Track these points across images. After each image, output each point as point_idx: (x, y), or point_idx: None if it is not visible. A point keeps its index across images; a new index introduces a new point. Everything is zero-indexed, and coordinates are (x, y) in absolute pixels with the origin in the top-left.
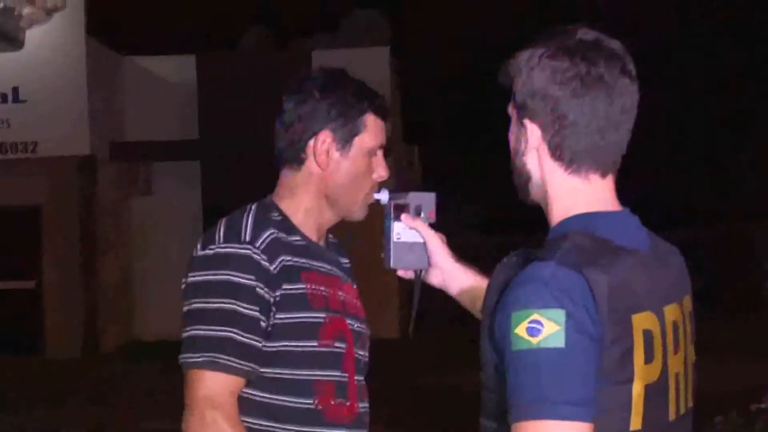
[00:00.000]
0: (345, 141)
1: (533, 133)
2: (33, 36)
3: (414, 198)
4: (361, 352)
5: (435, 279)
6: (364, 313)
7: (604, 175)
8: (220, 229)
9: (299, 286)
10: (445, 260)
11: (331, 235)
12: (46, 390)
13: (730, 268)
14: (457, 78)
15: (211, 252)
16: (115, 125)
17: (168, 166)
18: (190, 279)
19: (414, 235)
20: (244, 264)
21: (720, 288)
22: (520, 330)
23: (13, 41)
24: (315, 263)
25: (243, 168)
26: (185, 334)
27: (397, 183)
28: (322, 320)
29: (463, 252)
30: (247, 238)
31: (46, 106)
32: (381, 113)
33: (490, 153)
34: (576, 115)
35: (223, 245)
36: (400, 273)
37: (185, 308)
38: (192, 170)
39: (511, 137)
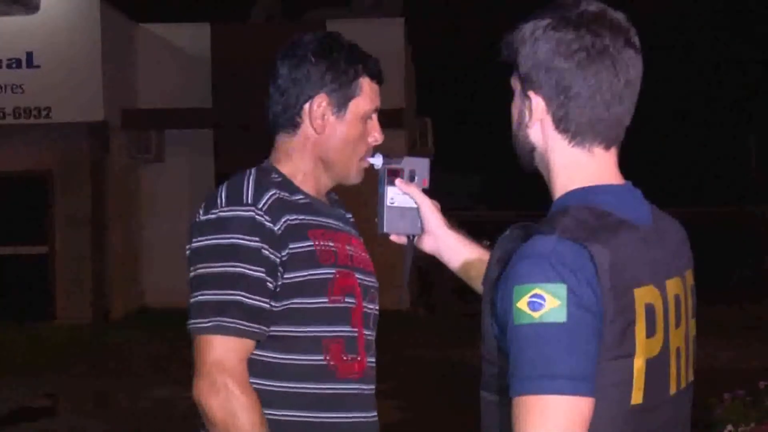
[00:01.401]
0: (340, 105)
1: (538, 104)
2: (48, 1)
3: (408, 163)
4: (371, 306)
5: (427, 245)
6: (372, 267)
7: (607, 148)
8: (221, 193)
9: (306, 244)
10: (437, 227)
11: (333, 193)
12: (55, 356)
13: (740, 249)
14: (470, 53)
15: (214, 216)
16: (127, 92)
17: (180, 134)
18: (194, 244)
19: (407, 201)
20: (248, 226)
21: (730, 269)
22: (522, 304)
23: (29, 4)
24: (321, 219)
25: (255, 137)
26: (192, 300)
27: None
28: (331, 276)
29: (470, 226)
30: (250, 200)
31: (59, 72)
32: (376, 76)
33: (505, 127)
34: (581, 87)
35: (226, 209)
36: (393, 238)
37: (191, 274)
38: (205, 139)
39: (514, 110)
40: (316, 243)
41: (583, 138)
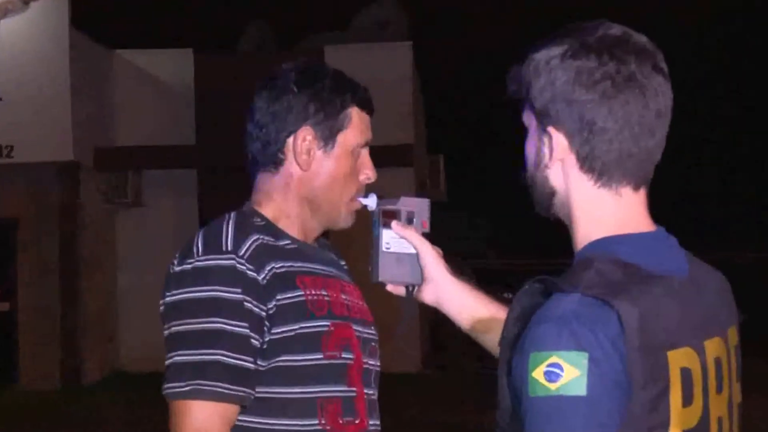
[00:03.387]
0: (327, 138)
1: (559, 142)
2: (10, 27)
3: (405, 203)
4: (371, 362)
5: (428, 296)
6: (371, 317)
7: (636, 188)
8: (197, 241)
9: (296, 293)
10: (440, 275)
11: (322, 238)
12: (21, 426)
13: None
14: (487, 81)
15: (190, 266)
16: (101, 128)
17: (161, 174)
18: (168, 299)
19: (405, 246)
20: (229, 276)
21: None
22: (538, 374)
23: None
24: (311, 265)
25: (244, 178)
26: (168, 361)
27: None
28: (326, 328)
29: (482, 275)
30: (229, 247)
31: (24, 106)
32: (366, 106)
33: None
34: (606, 120)
35: (203, 258)
36: (390, 288)
37: (165, 332)
38: (188, 180)
39: (530, 149)
40: (307, 292)
41: (609, 178)
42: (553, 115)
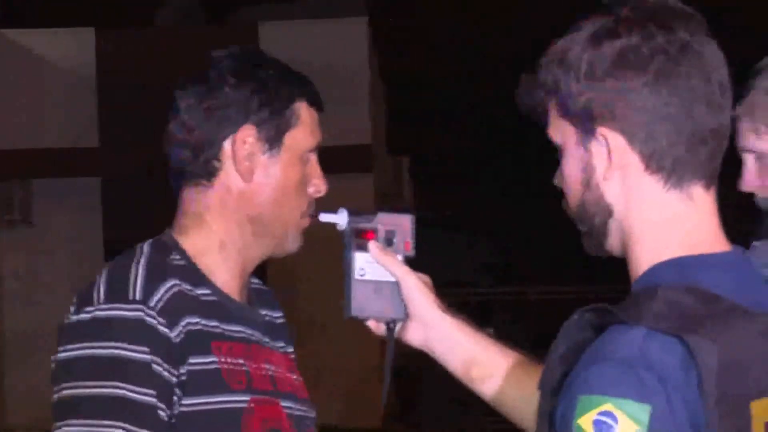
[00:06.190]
0: (273, 140)
1: (617, 143)
2: None
3: (384, 221)
4: None
5: (415, 335)
6: (305, 391)
7: (707, 187)
8: (99, 285)
9: (209, 360)
10: (427, 309)
11: (255, 279)
12: None
13: None
14: (459, 64)
15: (88, 316)
16: None
17: (55, 184)
18: (61, 355)
19: (384, 273)
20: (135, 331)
21: None
22: (585, 421)
23: None
24: (228, 327)
25: (159, 189)
26: None
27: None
28: (244, 405)
29: (472, 304)
30: (138, 296)
31: None
32: (315, 102)
33: (516, 172)
34: (669, 102)
35: (105, 306)
36: (371, 324)
37: (54, 395)
38: (89, 191)
39: (571, 169)
40: (221, 360)
41: (680, 176)
42: (601, 112)
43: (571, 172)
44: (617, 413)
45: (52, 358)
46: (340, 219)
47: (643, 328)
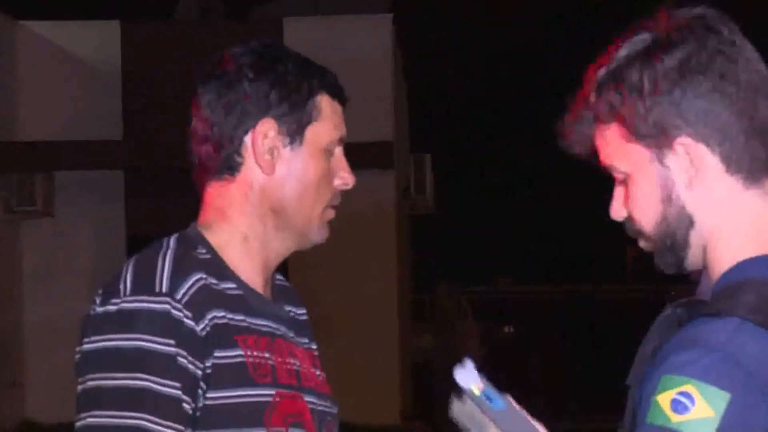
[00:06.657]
0: (294, 133)
1: (696, 151)
2: None
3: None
4: None
5: None
6: (326, 387)
7: None
8: (125, 276)
9: (236, 353)
10: None
11: (279, 276)
12: None
13: None
14: (483, 63)
15: (114, 308)
16: (1, 119)
17: (78, 177)
18: (86, 346)
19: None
20: (160, 324)
21: None
22: (663, 399)
23: None
24: (254, 321)
25: (183, 182)
26: (79, 423)
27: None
28: (269, 399)
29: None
30: (164, 288)
31: None
32: (338, 94)
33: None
34: (737, 99)
35: (131, 298)
36: None
37: (79, 387)
38: (112, 184)
39: (646, 190)
40: (248, 353)
41: (759, 173)
42: (674, 124)
43: (649, 193)
44: (696, 396)
45: (77, 349)
46: (468, 379)
47: (737, 319)
